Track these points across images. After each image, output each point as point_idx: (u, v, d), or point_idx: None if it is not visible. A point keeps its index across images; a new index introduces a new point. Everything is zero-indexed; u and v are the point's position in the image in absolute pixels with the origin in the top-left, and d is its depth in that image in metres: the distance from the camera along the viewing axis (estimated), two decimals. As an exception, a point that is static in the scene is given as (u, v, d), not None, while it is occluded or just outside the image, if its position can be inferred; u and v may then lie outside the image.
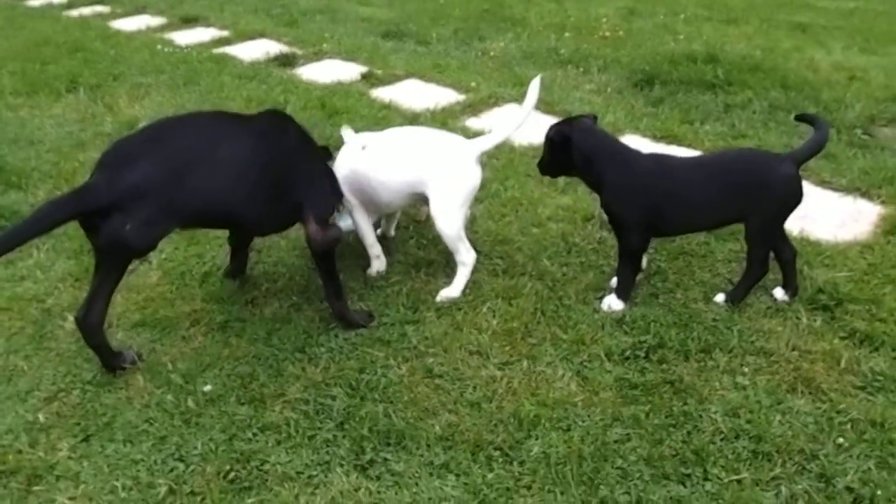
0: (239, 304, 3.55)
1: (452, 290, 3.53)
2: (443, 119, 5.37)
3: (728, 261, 3.70)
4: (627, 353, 3.12)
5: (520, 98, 5.41)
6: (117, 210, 2.86)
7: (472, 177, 3.51)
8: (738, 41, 6.54)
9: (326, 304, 3.44)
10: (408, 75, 6.17)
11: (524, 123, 3.53)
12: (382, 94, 5.56)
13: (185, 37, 7.48)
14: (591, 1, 8.09)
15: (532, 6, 7.91)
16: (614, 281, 3.49)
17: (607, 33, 6.86)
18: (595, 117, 3.49)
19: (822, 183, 4.38)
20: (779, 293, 3.43)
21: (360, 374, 3.07)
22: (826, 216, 4.05)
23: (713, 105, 5.34)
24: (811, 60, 6.03)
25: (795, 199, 3.27)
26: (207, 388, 3.03)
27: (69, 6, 8.91)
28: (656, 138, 4.96)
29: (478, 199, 4.25)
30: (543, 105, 5.23)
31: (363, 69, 6.27)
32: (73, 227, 4.09)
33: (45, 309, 3.59)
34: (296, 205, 3.22)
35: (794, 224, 3.88)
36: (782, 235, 3.42)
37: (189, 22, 7.95)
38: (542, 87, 3.53)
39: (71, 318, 3.46)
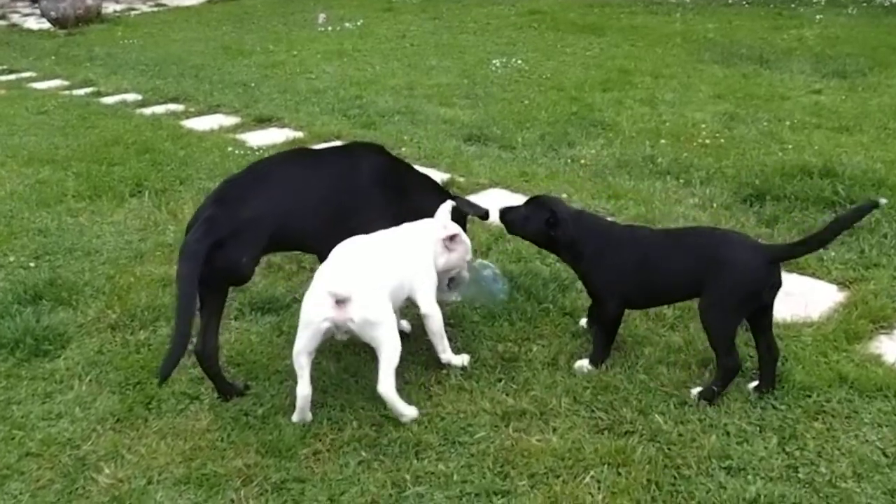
0: (298, 458, 3.04)
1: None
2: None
3: (878, 424, 3.09)
4: (768, 548, 2.54)
5: (616, 212, 4.95)
6: (233, 240, 3.29)
7: None
8: (855, 152, 5.92)
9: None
10: (492, 184, 5.71)
11: None
12: (466, 204, 5.09)
13: (258, 137, 7.18)
14: (688, 104, 7.56)
15: (623, 109, 7.43)
16: None
17: (707, 141, 6.34)
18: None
19: None
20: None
21: (440, 560, 2.54)
22: None
23: (835, 227, 4.73)
24: (941, 177, 5.39)
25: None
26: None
27: (143, 104, 8.73)
28: (775, 264, 4.37)
29: (576, 335, 3.73)
30: (642, 222, 4.72)
31: (444, 176, 5.76)
32: (121, 356, 3.76)
33: (80, 457, 3.13)
34: (352, 231, 3.48)
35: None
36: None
37: (263, 122, 7.68)
38: None
39: (107, 470, 3.02)
